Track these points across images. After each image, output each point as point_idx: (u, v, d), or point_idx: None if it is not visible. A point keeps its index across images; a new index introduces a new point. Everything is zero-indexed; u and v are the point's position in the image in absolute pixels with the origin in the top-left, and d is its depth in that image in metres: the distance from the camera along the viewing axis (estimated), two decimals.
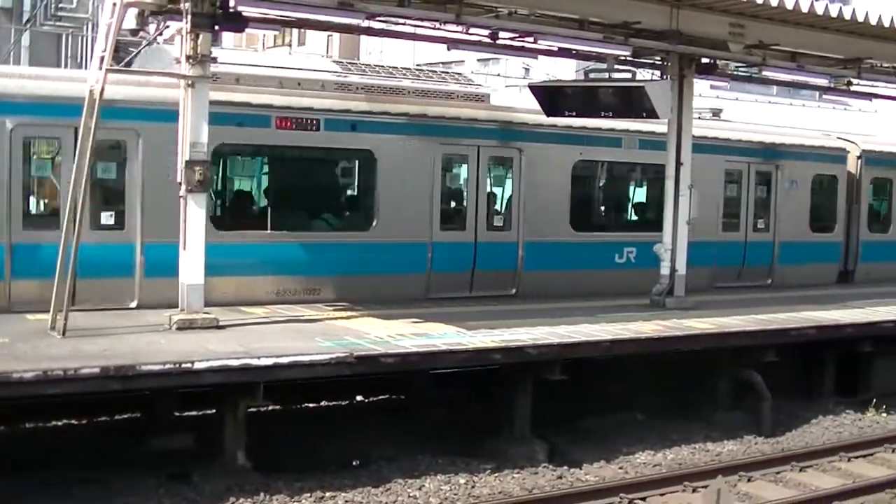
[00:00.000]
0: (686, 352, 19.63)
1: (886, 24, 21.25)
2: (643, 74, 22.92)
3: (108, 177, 18.76)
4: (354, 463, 16.76)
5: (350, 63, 25.06)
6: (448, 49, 21.78)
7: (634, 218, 26.44)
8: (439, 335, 17.40)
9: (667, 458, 18.05)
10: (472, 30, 20.25)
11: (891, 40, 22.82)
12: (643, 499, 15.84)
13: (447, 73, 25.89)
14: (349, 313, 19.12)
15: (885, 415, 21.70)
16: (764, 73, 24.98)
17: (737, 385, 20.46)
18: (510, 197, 23.34)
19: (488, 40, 20.80)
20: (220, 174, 21.12)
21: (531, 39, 20.61)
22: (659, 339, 18.86)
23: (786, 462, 17.92)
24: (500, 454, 17.28)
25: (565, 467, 17.11)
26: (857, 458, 18.72)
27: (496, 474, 16.51)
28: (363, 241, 21.21)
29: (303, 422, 19.31)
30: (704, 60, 22.01)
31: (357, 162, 22.27)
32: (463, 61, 58.20)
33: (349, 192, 23.47)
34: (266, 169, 22.26)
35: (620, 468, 17.47)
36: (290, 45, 69.59)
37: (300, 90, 21.05)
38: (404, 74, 24.51)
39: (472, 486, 15.96)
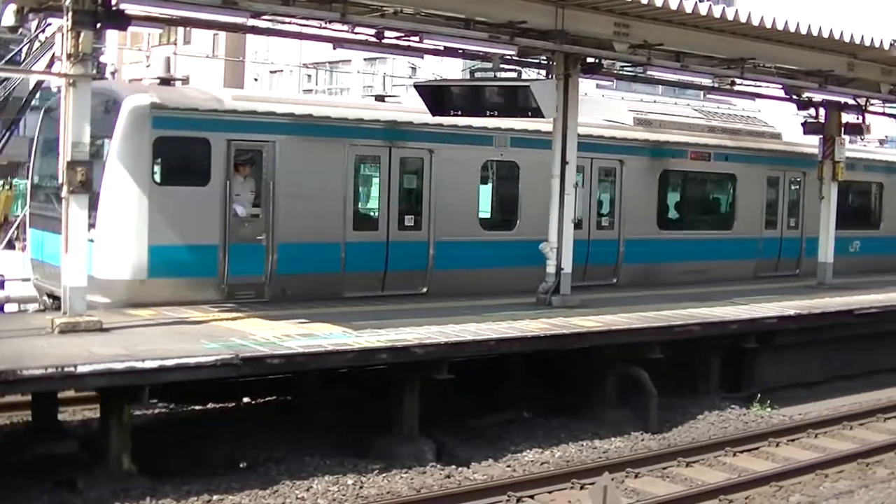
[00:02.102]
0: (573, 350, 19.75)
1: (769, 25, 21.55)
2: (529, 74, 22.97)
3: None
4: (242, 465, 16.63)
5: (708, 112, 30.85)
6: (334, 48, 21.78)
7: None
8: (325, 335, 17.30)
9: (554, 455, 18.10)
10: (358, 29, 20.16)
11: (773, 41, 23.17)
12: (531, 497, 15.88)
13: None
14: (235, 314, 18.93)
15: (769, 409, 22.02)
16: (649, 72, 25.21)
17: (624, 382, 20.60)
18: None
19: (374, 39, 20.80)
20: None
21: (417, 39, 20.54)
22: (545, 337, 18.91)
23: (672, 458, 18.07)
24: (388, 454, 17.23)
25: (453, 466, 17.10)
26: (742, 452, 18.93)
27: (384, 474, 16.46)
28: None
29: (190, 425, 19.12)
30: (590, 60, 22.06)
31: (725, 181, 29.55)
32: (350, 61, 58.18)
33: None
34: (682, 186, 28.78)
35: (508, 466, 17.48)
36: (175, 44, 68.98)
37: (690, 132, 28.27)
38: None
39: (361, 487, 15.91)
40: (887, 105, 31.36)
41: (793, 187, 30.91)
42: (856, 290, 27.21)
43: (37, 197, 21.94)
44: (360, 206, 22.68)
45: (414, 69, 50.05)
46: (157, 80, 20.98)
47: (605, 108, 27.93)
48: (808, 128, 28.96)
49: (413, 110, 22.67)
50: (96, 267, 18.33)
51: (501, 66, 21.34)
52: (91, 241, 17.85)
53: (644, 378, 20.19)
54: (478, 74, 21.86)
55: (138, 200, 18.97)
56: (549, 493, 16.12)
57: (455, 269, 22.95)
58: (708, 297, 24.40)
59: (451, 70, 40.12)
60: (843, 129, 28.56)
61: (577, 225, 23.29)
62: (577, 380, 21.28)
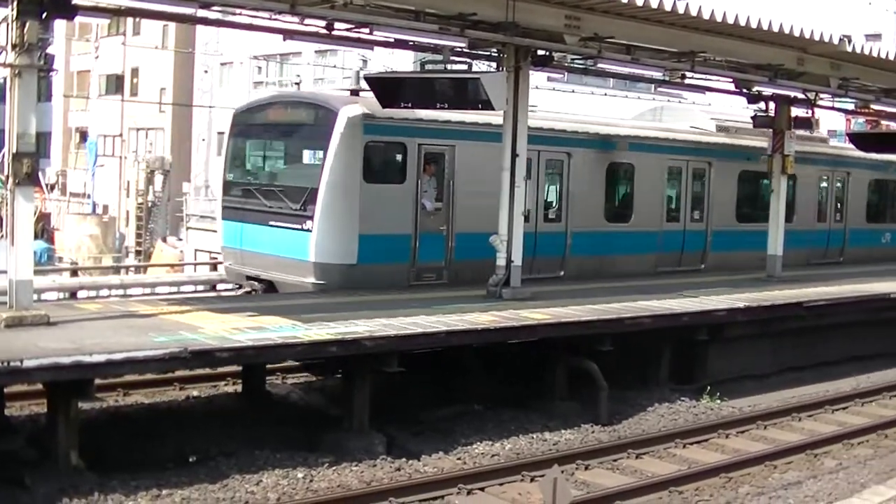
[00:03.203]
0: (524, 342, 19.76)
1: (719, 18, 21.58)
2: (480, 66, 22.93)
3: None
4: (191, 459, 16.52)
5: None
6: (284, 40, 21.61)
7: None
8: (275, 329, 17.22)
9: (505, 448, 18.11)
10: (308, 20, 20.08)
11: (724, 35, 23.23)
12: (481, 489, 15.91)
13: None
14: (184, 307, 18.83)
15: (719, 401, 22.12)
16: (600, 65, 25.22)
17: (574, 375, 20.62)
18: None
19: (324, 31, 20.67)
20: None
21: (367, 30, 20.54)
22: (495, 329, 18.96)
23: (622, 450, 18.14)
24: (338, 447, 17.17)
25: (404, 459, 17.09)
26: (692, 444, 19.06)
27: (334, 467, 16.41)
28: None
29: (138, 419, 18.96)
30: (540, 52, 22.09)
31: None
32: (300, 53, 57.97)
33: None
34: None
35: (459, 459, 17.49)
36: (124, 35, 68.63)
37: None
38: None
39: (311, 480, 15.89)
40: (836, 100, 31.53)
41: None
42: (805, 283, 27.40)
43: (233, 192, 24.53)
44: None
45: (365, 61, 49.91)
46: (349, 92, 24.51)
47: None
48: (758, 121, 29.08)
49: (554, 118, 26.37)
50: (315, 253, 21.61)
51: (452, 58, 21.30)
52: (308, 231, 21.65)
53: (594, 370, 20.22)
54: (428, 67, 21.81)
55: (351, 196, 21.94)
56: (500, 485, 16.13)
57: (588, 255, 26.35)
58: (659, 289, 24.47)
59: (403, 62, 40.09)
60: (792, 122, 28.63)
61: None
62: (527, 372, 21.31)
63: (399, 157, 22.98)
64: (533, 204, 24.34)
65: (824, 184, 34.60)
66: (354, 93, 24.02)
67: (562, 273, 25.88)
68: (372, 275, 21.64)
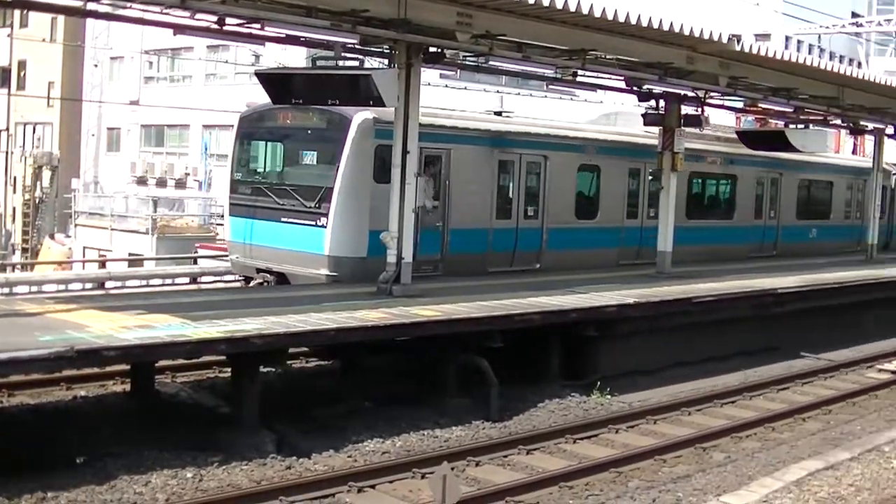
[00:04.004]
0: (414, 339, 19.75)
1: (610, 17, 21.68)
2: (372, 63, 22.90)
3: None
4: (79, 461, 16.25)
5: None
6: (174, 34, 21.38)
7: None
8: (163, 327, 17.03)
9: (396, 445, 18.08)
10: (199, 15, 19.88)
11: (614, 33, 23.36)
12: (372, 486, 15.86)
13: None
14: (71, 306, 18.57)
15: (609, 397, 22.26)
16: (492, 62, 25.29)
17: (465, 371, 20.65)
18: None
19: (215, 26, 20.46)
20: None
21: (258, 26, 20.39)
22: (384, 326, 18.91)
23: (513, 446, 18.17)
24: (228, 446, 17.01)
25: (294, 457, 16.97)
26: (582, 439, 19.15)
27: (224, 467, 16.25)
28: None
29: (24, 420, 18.64)
30: (432, 49, 22.06)
31: None
32: (192, 48, 57.55)
33: None
34: None
35: (349, 457, 17.41)
36: (11, 27, 67.56)
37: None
38: None
39: (200, 480, 15.72)
40: (726, 98, 31.93)
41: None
42: (695, 279, 27.71)
43: (241, 190, 26.13)
44: (500, 199, 27.21)
45: (257, 57, 49.64)
46: None
47: None
48: (649, 119, 29.34)
49: (531, 124, 28.79)
50: (329, 247, 23.49)
51: (344, 54, 21.23)
52: (323, 227, 23.57)
53: (484, 367, 20.26)
54: (320, 63, 21.73)
55: (363, 195, 23.64)
56: (391, 482, 16.09)
57: (561, 249, 28.40)
58: (550, 285, 24.61)
59: (295, 58, 39.88)
60: (682, 120, 28.92)
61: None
62: (418, 369, 21.31)
63: None
64: (515, 202, 27.43)
65: (760, 184, 37.23)
66: None
67: (538, 266, 28.03)
68: (379, 267, 22.53)
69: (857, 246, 40.80)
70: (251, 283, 25.47)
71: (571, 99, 56.72)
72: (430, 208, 25.06)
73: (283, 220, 24.52)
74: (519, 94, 48.18)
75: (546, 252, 28.21)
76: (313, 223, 23.85)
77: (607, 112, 36.74)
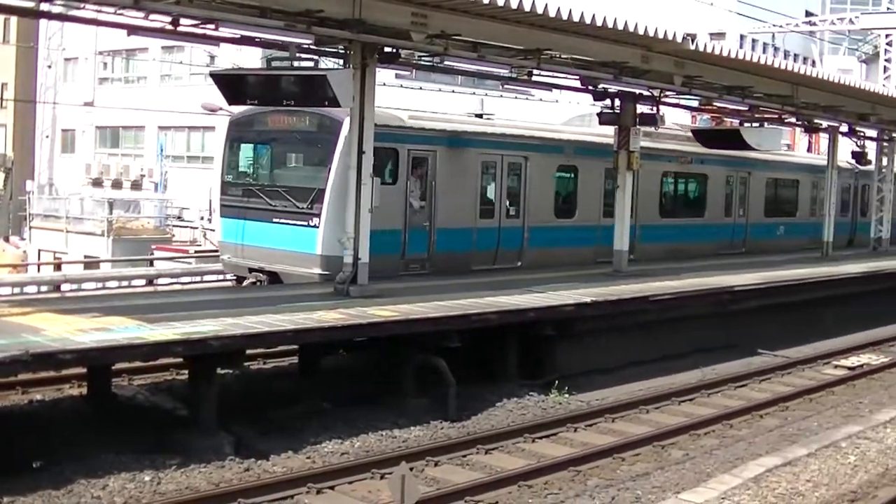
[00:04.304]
0: (371, 339, 19.72)
1: (565, 16, 21.70)
2: (327, 63, 22.85)
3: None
4: (35, 465, 16.13)
5: None
6: (128, 35, 21.25)
7: None
8: (120, 329, 16.95)
9: (354, 446, 18.06)
10: (153, 16, 19.76)
11: (569, 32, 23.41)
12: (331, 488, 15.86)
13: None
14: (26, 309, 18.44)
15: (567, 396, 22.30)
16: (447, 62, 25.29)
17: (423, 371, 20.64)
18: None
19: (170, 27, 20.33)
20: None
21: (213, 27, 20.29)
22: (342, 327, 18.90)
23: (472, 445, 18.20)
24: (186, 449, 16.93)
25: (252, 459, 16.94)
26: (541, 438, 19.20)
27: (182, 469, 16.21)
28: None
29: None
30: (387, 49, 22.04)
31: None
32: (146, 49, 57.27)
33: None
34: None
35: (308, 458, 17.40)
36: None
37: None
38: None
39: (158, 483, 15.66)
40: (681, 97, 32.05)
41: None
42: (651, 278, 27.79)
43: (232, 192, 26.60)
44: (483, 199, 27.94)
45: (212, 58, 49.45)
46: None
47: None
48: (604, 118, 29.39)
49: (512, 126, 29.69)
50: (321, 247, 23.78)
51: (299, 55, 21.17)
52: (315, 227, 24.01)
53: (442, 367, 20.28)
54: (275, 64, 21.66)
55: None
56: (350, 483, 16.10)
57: (542, 247, 29.10)
58: (509, 285, 24.66)
59: (251, 59, 39.76)
60: (637, 119, 28.99)
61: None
62: (377, 369, 21.29)
63: (392, 161, 25.25)
64: (498, 202, 28.21)
65: (730, 183, 38.31)
66: None
67: (519, 264, 28.77)
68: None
69: (821, 242, 41.32)
70: (244, 283, 25.91)
71: (527, 98, 56.86)
72: (418, 208, 25.85)
73: (274, 220, 24.98)
74: (474, 93, 48.18)
75: (527, 250, 28.96)
76: (305, 223, 24.36)
77: (581, 114, 36.92)
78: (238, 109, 26.59)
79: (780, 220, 40.84)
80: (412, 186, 25.75)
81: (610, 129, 30.34)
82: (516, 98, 54.04)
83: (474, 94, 37.02)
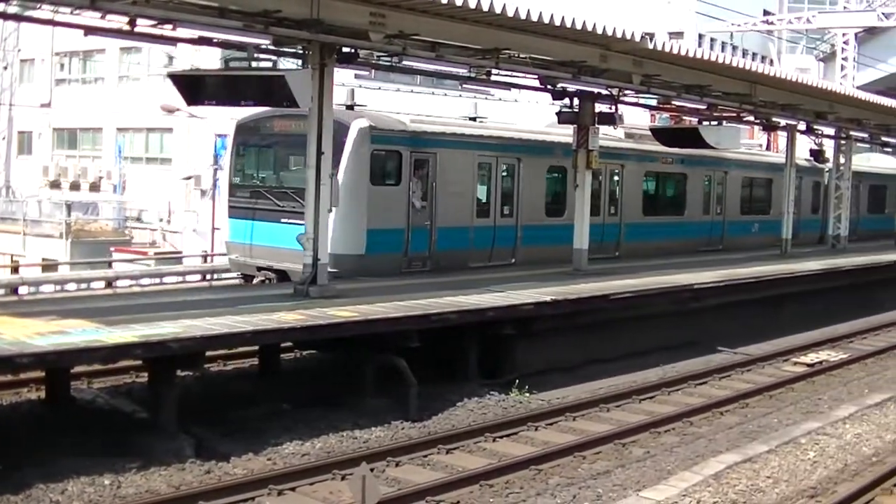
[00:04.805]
0: (332, 340, 19.69)
1: (523, 16, 21.73)
2: (286, 63, 22.81)
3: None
4: None
5: None
6: (85, 35, 21.11)
7: None
8: (78, 332, 16.82)
9: (315, 447, 17.99)
10: (110, 16, 19.64)
11: (528, 32, 23.45)
12: (293, 489, 15.80)
13: None
14: None
15: (527, 394, 22.30)
16: (406, 62, 25.28)
17: (383, 372, 20.61)
18: None
19: (127, 27, 20.21)
20: None
21: (170, 27, 20.19)
22: (301, 328, 18.88)
23: (432, 445, 18.19)
24: (146, 451, 16.81)
25: (213, 461, 16.84)
26: (501, 437, 19.20)
27: (142, 472, 16.09)
28: None
29: None
30: (346, 49, 22.01)
31: None
32: (104, 50, 57.02)
33: None
34: None
35: (269, 460, 17.32)
36: None
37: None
38: None
39: (118, 487, 15.55)
40: (640, 95, 32.15)
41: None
42: (612, 276, 27.88)
43: (239, 193, 27.61)
44: (479, 199, 29.16)
45: (171, 59, 49.30)
46: (344, 106, 26.84)
47: None
48: (563, 117, 29.45)
49: (505, 129, 31.08)
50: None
51: (258, 55, 21.11)
52: None
53: (403, 367, 20.25)
54: (233, 64, 21.59)
55: (361, 196, 25.36)
56: (311, 484, 16.05)
57: (533, 245, 29.97)
58: (469, 284, 24.71)
59: (210, 60, 39.64)
60: (596, 118, 29.05)
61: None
62: (337, 370, 21.26)
63: (396, 163, 26.47)
64: (493, 202, 29.34)
65: (708, 182, 39.57)
66: (349, 108, 27.18)
67: (513, 261, 29.71)
68: (376, 263, 25.21)
69: (795, 238, 42.36)
70: (254, 281, 26.75)
71: (486, 98, 56.86)
72: (419, 208, 26.91)
73: (282, 221, 25.68)
74: (433, 93, 48.25)
75: (521, 248, 29.85)
76: None
77: None
78: (244, 114, 27.64)
79: (755, 218, 41.41)
80: (414, 187, 26.80)
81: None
82: (501, 100, 54.15)
83: (433, 93, 37.13)
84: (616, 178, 34.40)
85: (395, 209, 26.28)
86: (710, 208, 39.84)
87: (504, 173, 29.70)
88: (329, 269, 23.72)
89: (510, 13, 21.48)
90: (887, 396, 22.00)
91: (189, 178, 54.50)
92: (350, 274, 24.97)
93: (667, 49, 26.22)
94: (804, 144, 42.86)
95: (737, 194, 41.41)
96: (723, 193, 40.36)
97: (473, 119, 31.69)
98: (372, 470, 15.08)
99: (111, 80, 62.31)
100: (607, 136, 32.55)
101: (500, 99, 55.02)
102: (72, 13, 19.52)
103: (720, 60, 29.22)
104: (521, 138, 30.31)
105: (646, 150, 35.38)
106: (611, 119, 29.47)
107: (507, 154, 29.48)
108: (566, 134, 30.70)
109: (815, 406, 22.42)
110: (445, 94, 45.06)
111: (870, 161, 55.73)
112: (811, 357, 28.19)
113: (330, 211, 22.10)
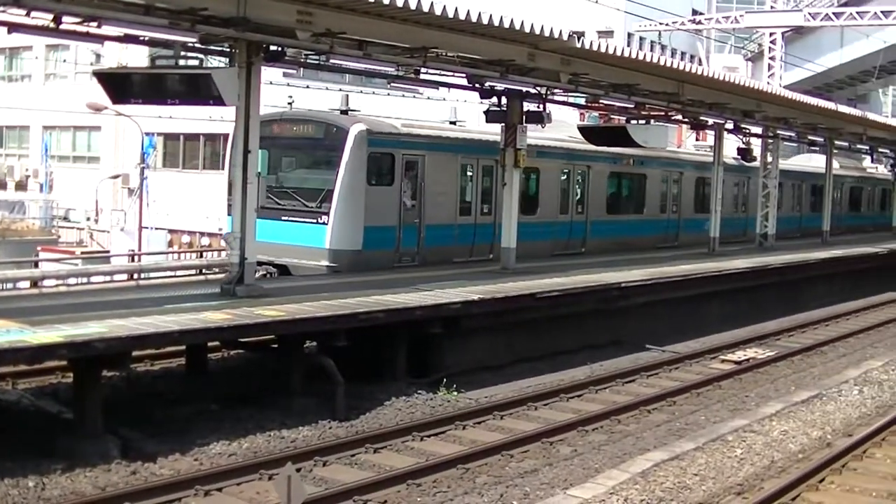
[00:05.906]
0: (259, 340, 19.61)
1: (451, 15, 21.72)
2: (213, 61, 22.67)
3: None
4: None
5: None
6: (9, 32, 20.84)
7: None
8: (2, 332, 16.57)
9: (242, 447, 17.93)
10: (34, 13, 19.42)
11: (455, 31, 23.45)
12: (219, 490, 15.77)
13: None
14: None
15: (455, 393, 22.35)
16: (334, 60, 25.23)
17: (311, 371, 20.58)
18: None
19: (52, 25, 20.01)
20: None
21: (96, 24, 19.99)
22: (227, 328, 18.80)
23: (360, 444, 18.19)
24: (72, 452, 16.69)
25: (139, 462, 16.73)
26: (429, 436, 19.25)
27: (67, 474, 15.97)
28: None
29: None
30: (273, 48, 21.89)
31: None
32: (31, 47, 56.47)
33: None
34: None
35: (196, 460, 17.23)
36: None
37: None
38: None
39: (43, 489, 15.43)
40: (568, 94, 32.28)
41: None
42: (538, 275, 27.93)
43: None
44: (462, 199, 30.80)
45: (98, 56, 48.90)
46: (338, 111, 29.34)
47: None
48: (491, 116, 29.47)
49: (483, 132, 31.73)
50: (330, 242, 26.62)
51: (185, 53, 20.98)
52: (324, 224, 26.83)
53: (330, 366, 20.25)
54: (160, 62, 21.45)
55: (359, 196, 27.14)
56: (238, 485, 16.02)
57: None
58: (398, 283, 24.68)
59: (138, 58, 39.32)
60: (524, 117, 29.12)
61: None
62: (264, 369, 21.19)
63: (390, 165, 28.13)
64: (473, 201, 31.05)
65: (665, 182, 41.90)
66: (344, 112, 29.12)
67: (491, 256, 30.93)
68: (371, 259, 27.12)
69: (743, 236, 46.14)
70: (256, 275, 26.53)
71: (414, 97, 56.93)
72: (409, 207, 28.49)
73: (283, 218, 27.21)
74: (361, 92, 48.20)
75: (498, 244, 30.33)
76: (315, 221, 27.04)
77: None
78: (174, 113, 28.18)
79: (707, 216, 41.81)
80: (405, 187, 28.41)
81: (565, 134, 33.84)
82: (388, 94, 54.08)
83: (361, 92, 37.23)
84: (583, 178, 36.29)
85: (388, 208, 27.92)
86: (667, 207, 42.15)
87: (484, 174, 31.25)
88: (328, 264, 26.51)
89: (438, 12, 21.45)
90: (814, 393, 22.25)
91: (117, 176, 54.16)
92: (347, 268, 26.66)
93: (595, 48, 26.32)
94: (734, 144, 43.27)
95: (691, 194, 43.59)
96: (678, 193, 42.65)
97: (454, 123, 33.75)
98: (299, 470, 15.06)
99: (38, 77, 61.76)
100: (574, 138, 35.39)
101: (428, 98, 55.13)
102: None
103: (648, 59, 29.38)
104: (497, 140, 30.46)
105: (611, 152, 36.88)
106: (539, 118, 29.51)
107: (487, 155, 30.58)
108: (538, 136, 32.13)
109: (742, 403, 22.65)
110: (374, 93, 44.96)
111: (811, 161, 56.44)
112: (739, 355, 28.47)
113: (256, 211, 22.02)
